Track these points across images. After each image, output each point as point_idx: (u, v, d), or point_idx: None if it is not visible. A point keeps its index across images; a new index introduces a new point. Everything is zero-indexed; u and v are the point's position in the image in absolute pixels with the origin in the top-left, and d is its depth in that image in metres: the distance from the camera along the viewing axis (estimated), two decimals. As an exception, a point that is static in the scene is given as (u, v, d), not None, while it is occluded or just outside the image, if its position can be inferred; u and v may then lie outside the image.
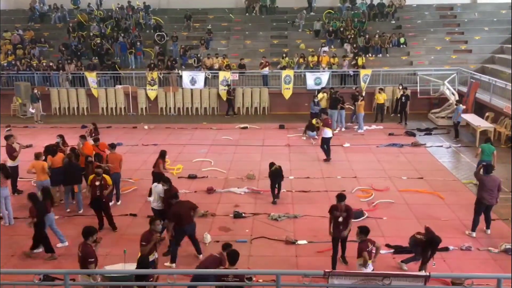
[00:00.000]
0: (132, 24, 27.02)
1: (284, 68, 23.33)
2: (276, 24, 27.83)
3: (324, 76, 22.51)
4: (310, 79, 22.45)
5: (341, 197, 8.94)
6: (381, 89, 20.89)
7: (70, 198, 11.87)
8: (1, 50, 25.15)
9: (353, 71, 22.95)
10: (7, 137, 12.79)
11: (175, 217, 9.03)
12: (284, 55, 24.15)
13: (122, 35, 25.57)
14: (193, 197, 12.39)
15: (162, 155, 11.98)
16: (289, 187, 13.07)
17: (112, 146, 12.53)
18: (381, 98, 20.48)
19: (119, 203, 12.10)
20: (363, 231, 7.88)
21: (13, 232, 10.64)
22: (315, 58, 24.06)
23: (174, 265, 9.10)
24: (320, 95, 20.07)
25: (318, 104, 19.47)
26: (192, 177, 14.03)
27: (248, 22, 27.96)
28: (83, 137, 13.03)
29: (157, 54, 24.79)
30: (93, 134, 14.63)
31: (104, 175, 10.60)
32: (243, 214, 11.32)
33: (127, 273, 7.08)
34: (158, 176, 10.83)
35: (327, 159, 15.40)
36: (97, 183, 10.37)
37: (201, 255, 9.33)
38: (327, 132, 15.34)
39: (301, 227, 10.73)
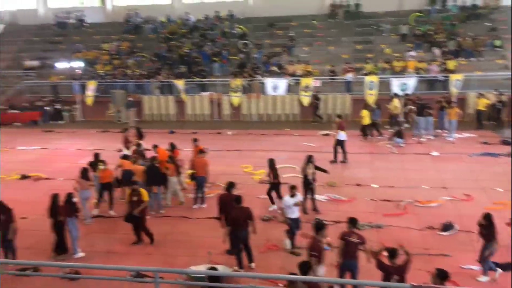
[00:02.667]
0: (218, 33, 27.93)
1: (368, 74, 22.82)
2: (360, 29, 27.33)
3: (411, 82, 21.67)
4: (396, 85, 21.72)
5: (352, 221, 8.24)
6: (481, 94, 19.67)
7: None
8: (100, 60, 27.21)
9: (443, 76, 21.85)
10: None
11: (233, 221, 9.13)
12: (368, 60, 23.61)
13: (209, 44, 26.53)
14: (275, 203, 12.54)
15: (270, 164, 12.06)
16: (372, 195, 12.72)
17: (201, 151, 13.00)
18: (482, 104, 19.27)
19: (204, 205, 12.52)
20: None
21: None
22: (401, 63, 23.26)
23: (252, 264, 9.19)
24: (395, 101, 19.40)
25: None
26: (269, 182, 14.10)
27: (331, 28, 27.74)
28: (155, 146, 13.61)
29: (241, 61, 25.40)
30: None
31: (141, 190, 10.61)
32: (325, 221, 11.16)
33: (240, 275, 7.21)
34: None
35: (334, 161, 15.46)
36: (134, 199, 10.42)
37: (253, 264, 9.22)
38: (342, 135, 15.59)
39: (385, 237, 10.36)
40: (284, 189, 13.38)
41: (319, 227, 8.00)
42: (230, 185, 10.29)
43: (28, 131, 22.77)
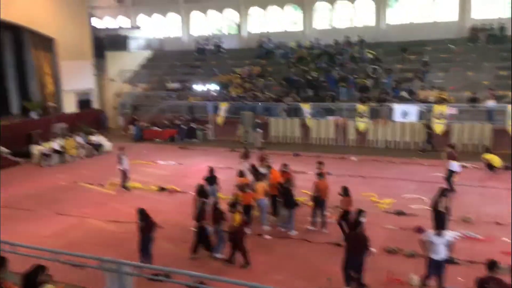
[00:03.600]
0: (347, 58, 27.84)
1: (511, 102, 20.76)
2: (505, 54, 25.08)
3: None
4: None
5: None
6: None
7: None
8: (233, 83, 28.86)
9: None
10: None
11: (348, 247, 9.16)
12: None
13: (337, 68, 26.56)
14: (400, 234, 11.94)
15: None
16: (513, 236, 11.42)
17: (320, 175, 12.95)
18: None
19: (325, 230, 12.40)
20: None
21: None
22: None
23: None
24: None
25: None
26: (399, 213, 13.49)
27: (471, 52, 25.90)
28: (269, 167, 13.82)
29: (369, 87, 24.93)
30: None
31: (238, 211, 10.66)
32: (456, 260, 10.31)
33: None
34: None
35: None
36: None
37: None
38: (453, 165, 14.77)
39: (529, 285, 9.18)
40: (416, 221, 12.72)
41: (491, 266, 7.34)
42: (359, 213, 10.00)
43: (166, 147, 24.89)
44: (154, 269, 8.97)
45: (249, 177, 13.68)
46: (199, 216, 11.09)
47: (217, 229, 10.93)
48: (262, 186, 12.73)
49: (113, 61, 32.69)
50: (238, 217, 10.58)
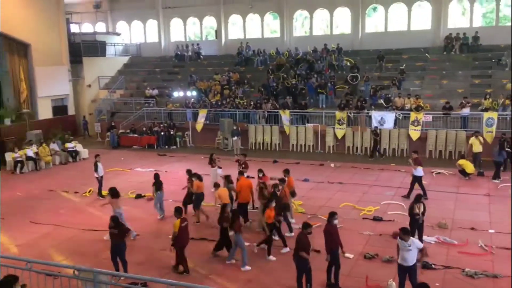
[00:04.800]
0: (326, 66, 28.12)
1: (486, 110, 21.25)
2: (478, 63, 25.73)
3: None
4: (518, 123, 19.95)
5: None
6: None
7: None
8: (212, 90, 28.79)
9: None
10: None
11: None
12: (487, 96, 22.02)
13: (315, 76, 26.79)
14: (378, 240, 12.03)
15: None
16: (489, 241, 11.63)
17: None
18: None
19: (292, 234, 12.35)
20: None
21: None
22: (524, 99, 21.33)
23: None
24: (472, 140, 18.63)
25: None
26: (377, 219, 13.61)
27: (446, 61, 26.49)
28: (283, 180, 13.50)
29: (347, 94, 25.20)
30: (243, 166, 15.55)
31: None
32: (433, 265, 10.44)
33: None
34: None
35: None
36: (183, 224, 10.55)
37: None
38: (419, 171, 15.19)
39: (502, 289, 9.37)
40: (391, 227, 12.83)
41: None
42: (331, 215, 9.96)
43: (145, 154, 24.63)
44: (131, 277, 8.82)
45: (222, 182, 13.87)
46: (220, 218, 11.27)
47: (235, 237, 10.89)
48: (224, 191, 13.05)
49: (90, 67, 32.28)
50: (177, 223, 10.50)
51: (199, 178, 13.97)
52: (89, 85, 32.31)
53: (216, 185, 13.42)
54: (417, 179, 15.34)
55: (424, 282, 7.17)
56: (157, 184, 14.16)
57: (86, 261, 10.65)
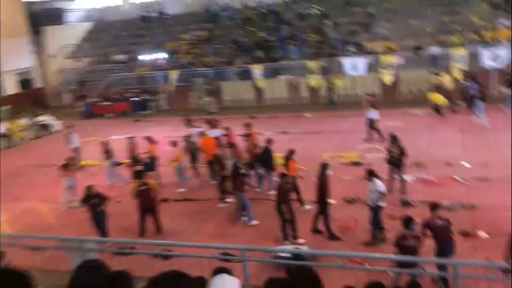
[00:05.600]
0: (294, 15, 27.64)
1: (455, 46, 21.38)
2: (446, 0, 25.62)
3: (503, 52, 20.00)
4: (486, 57, 20.18)
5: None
6: None
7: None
8: (181, 50, 28.16)
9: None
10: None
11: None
12: (455, 32, 22.09)
13: (285, 27, 26.38)
14: (358, 184, 12.27)
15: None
16: (464, 174, 12.02)
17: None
18: None
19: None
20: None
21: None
22: (492, 33, 21.52)
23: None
24: (444, 75, 18.90)
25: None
26: (356, 163, 13.85)
27: (414, 0, 26.27)
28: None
29: (318, 42, 24.97)
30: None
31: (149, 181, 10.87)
32: (412, 202, 10.78)
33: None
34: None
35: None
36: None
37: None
38: (373, 113, 15.61)
39: (479, 218, 9.77)
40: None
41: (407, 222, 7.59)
42: (323, 167, 10.10)
43: (119, 122, 24.25)
44: (116, 242, 8.85)
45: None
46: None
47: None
48: (178, 151, 13.37)
49: (52, 36, 31.06)
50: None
51: (153, 141, 14.25)
52: (54, 56, 31.19)
53: (175, 143, 13.57)
54: (372, 122, 15.63)
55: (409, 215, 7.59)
56: (107, 152, 14.18)
57: (69, 233, 10.63)
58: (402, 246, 7.36)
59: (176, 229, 10.80)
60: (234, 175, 11.01)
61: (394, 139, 11.60)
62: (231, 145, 13.05)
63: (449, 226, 7.63)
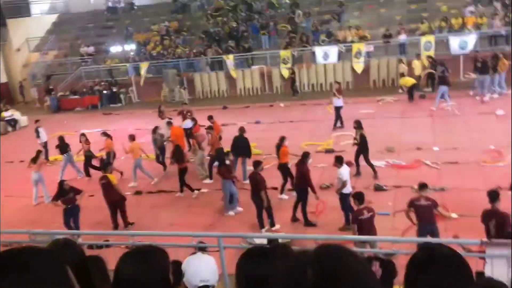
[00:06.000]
0: (265, 5, 27.55)
1: (423, 34, 21.76)
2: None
3: (470, 39, 20.47)
4: (455, 44, 20.62)
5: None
6: None
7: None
8: (150, 41, 27.71)
9: (506, 31, 20.45)
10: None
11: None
12: (423, 20, 22.48)
13: (256, 17, 26.26)
14: (332, 171, 12.36)
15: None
16: (434, 158, 12.27)
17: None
18: None
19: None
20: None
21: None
22: (459, 20, 21.97)
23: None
24: (415, 62, 19.29)
25: None
26: (329, 151, 13.96)
27: (382, -11, 26.55)
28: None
29: (290, 32, 24.97)
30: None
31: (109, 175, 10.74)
32: (384, 187, 10.95)
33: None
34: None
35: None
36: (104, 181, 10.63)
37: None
38: (338, 101, 15.80)
39: (450, 200, 10.00)
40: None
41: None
42: (305, 155, 10.17)
43: (89, 115, 23.74)
44: (89, 235, 8.69)
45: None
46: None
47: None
48: (136, 145, 13.24)
49: (16, 29, 30.04)
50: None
51: (109, 136, 14.27)
52: (18, 49, 30.24)
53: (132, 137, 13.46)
54: (338, 109, 15.85)
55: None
56: (62, 147, 14.01)
57: (40, 228, 10.36)
58: (414, 206, 7.81)
59: (150, 222, 10.69)
60: (220, 163, 11.05)
61: (357, 125, 11.76)
62: (194, 136, 13.16)
63: (434, 207, 7.83)
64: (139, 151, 13.24)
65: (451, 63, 19.81)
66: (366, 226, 7.63)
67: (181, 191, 12.02)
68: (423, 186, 8.06)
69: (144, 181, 13.29)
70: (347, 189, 9.42)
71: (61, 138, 14.32)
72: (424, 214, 7.74)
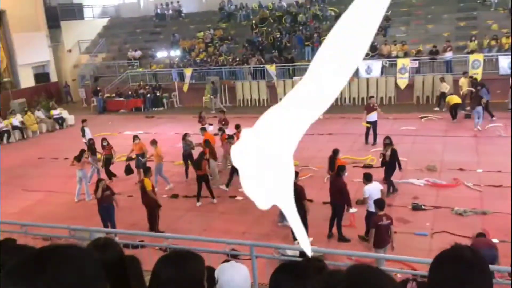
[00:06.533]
0: (310, 17, 27.60)
1: (472, 52, 21.18)
2: (463, 5, 25.40)
3: (521, 60, 19.78)
4: (504, 63, 19.96)
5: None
6: None
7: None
8: (195, 48, 28.27)
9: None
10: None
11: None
12: (472, 38, 21.89)
13: (300, 28, 26.34)
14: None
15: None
16: (477, 180, 11.88)
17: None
18: None
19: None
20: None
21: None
22: (510, 40, 21.26)
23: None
24: (463, 80, 18.81)
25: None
26: (367, 166, 13.78)
27: (431, 5, 26.09)
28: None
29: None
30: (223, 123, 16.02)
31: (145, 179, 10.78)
32: (423, 206, 10.68)
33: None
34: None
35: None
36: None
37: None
38: (372, 116, 15.54)
39: (491, 224, 9.64)
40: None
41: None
42: (341, 169, 10.02)
43: (132, 118, 24.41)
44: (126, 234, 8.90)
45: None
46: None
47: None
48: (159, 150, 13.42)
49: (69, 31, 31.38)
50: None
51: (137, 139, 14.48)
52: (70, 50, 31.54)
53: (154, 142, 13.64)
54: (374, 124, 15.68)
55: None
56: (92, 150, 14.35)
57: (79, 225, 10.71)
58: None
59: (184, 225, 10.84)
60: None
61: (389, 141, 11.52)
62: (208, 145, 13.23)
63: (390, 226, 8.05)
64: (160, 156, 13.40)
65: (499, 84, 19.24)
66: (382, 232, 7.92)
67: (198, 200, 12.02)
68: (381, 204, 8.15)
69: (180, 185, 13.51)
70: (371, 207, 9.17)
71: (91, 143, 14.71)
72: (383, 231, 7.95)
